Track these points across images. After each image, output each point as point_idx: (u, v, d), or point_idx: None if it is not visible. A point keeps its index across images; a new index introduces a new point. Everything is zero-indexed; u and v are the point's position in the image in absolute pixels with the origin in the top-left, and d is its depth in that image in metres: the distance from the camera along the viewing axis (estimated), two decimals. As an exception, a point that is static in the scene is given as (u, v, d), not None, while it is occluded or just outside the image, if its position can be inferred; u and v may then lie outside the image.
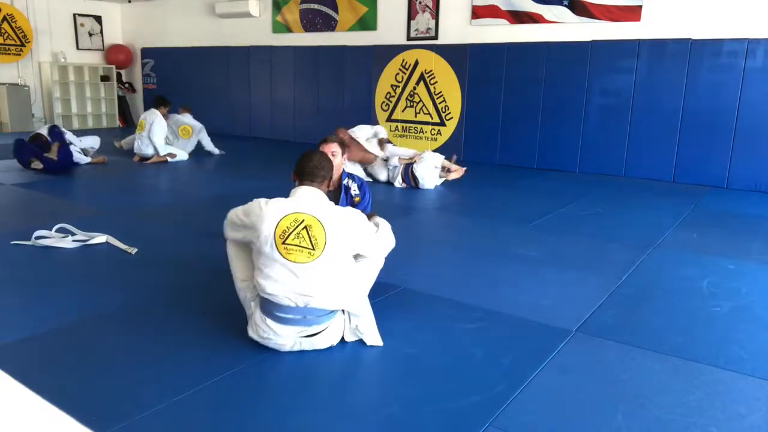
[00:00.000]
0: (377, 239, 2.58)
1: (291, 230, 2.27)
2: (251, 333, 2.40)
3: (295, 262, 2.26)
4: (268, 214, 2.30)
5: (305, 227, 2.27)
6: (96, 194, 5.60)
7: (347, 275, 2.38)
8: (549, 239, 4.19)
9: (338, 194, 3.18)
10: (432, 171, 5.96)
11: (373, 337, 2.44)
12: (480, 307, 2.88)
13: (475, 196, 5.73)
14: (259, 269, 2.33)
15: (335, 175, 3.18)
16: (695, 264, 3.67)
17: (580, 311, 2.86)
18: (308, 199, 2.38)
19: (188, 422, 1.90)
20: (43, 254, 3.62)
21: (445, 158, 6.26)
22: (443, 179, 6.19)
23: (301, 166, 2.47)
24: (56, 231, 3.89)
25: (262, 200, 2.38)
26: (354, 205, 3.14)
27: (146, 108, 9.34)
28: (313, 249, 2.26)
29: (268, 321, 2.32)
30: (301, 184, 2.45)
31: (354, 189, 3.24)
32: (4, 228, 4.17)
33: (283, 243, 2.26)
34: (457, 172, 6.26)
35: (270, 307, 2.32)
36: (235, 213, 2.44)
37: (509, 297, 3.05)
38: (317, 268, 2.28)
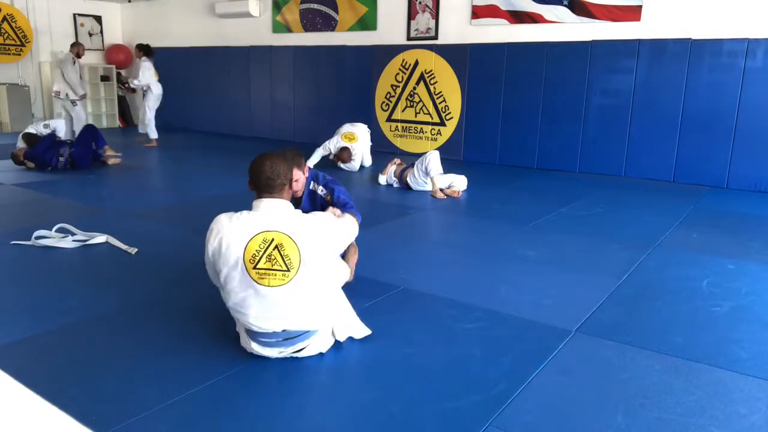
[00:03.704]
0: (341, 228, 2.47)
1: (261, 253, 2.14)
2: (243, 345, 2.38)
3: (269, 286, 2.15)
4: (234, 234, 2.17)
5: (276, 247, 2.15)
6: (96, 194, 5.60)
7: (324, 292, 2.31)
8: (549, 239, 4.19)
9: (300, 201, 3.06)
10: (421, 185, 5.86)
11: (359, 330, 2.43)
12: (480, 307, 2.88)
13: (475, 196, 5.73)
14: (232, 299, 2.22)
15: (300, 189, 3.06)
16: (695, 264, 3.67)
17: (580, 311, 2.86)
18: (273, 213, 2.22)
19: (188, 422, 1.90)
20: (43, 254, 3.62)
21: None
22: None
23: (254, 179, 2.28)
24: (56, 231, 3.89)
25: (224, 216, 2.26)
26: (327, 204, 3.02)
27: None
28: (288, 270, 2.15)
29: (253, 344, 2.29)
30: (260, 196, 2.28)
31: (320, 190, 3.10)
32: (4, 228, 4.17)
33: (254, 268, 2.14)
34: (453, 192, 5.91)
35: (252, 334, 2.28)
36: (206, 254, 2.27)
37: (509, 297, 3.04)
38: (293, 290, 2.18)
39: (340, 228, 2.45)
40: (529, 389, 2.13)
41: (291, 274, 2.16)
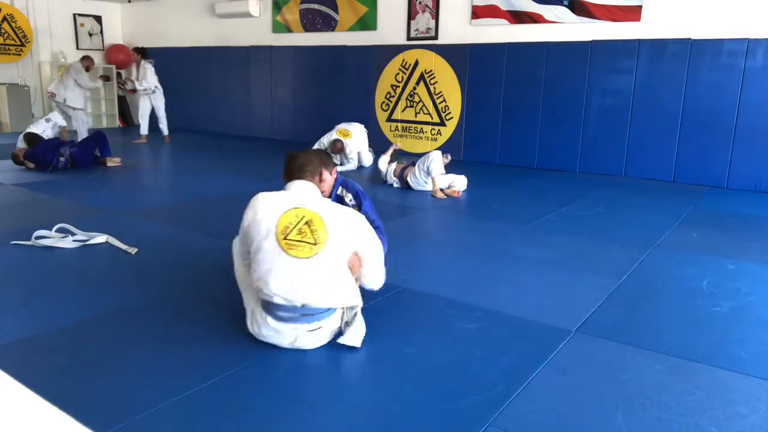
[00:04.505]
0: (379, 256, 2.52)
1: (293, 226, 2.29)
2: (250, 328, 2.42)
3: (296, 257, 2.27)
4: (269, 207, 2.34)
5: (306, 222, 2.30)
6: (96, 194, 5.60)
7: (344, 274, 2.39)
8: (549, 239, 4.19)
9: None
10: (422, 184, 5.85)
11: (355, 337, 2.42)
12: (480, 307, 2.88)
13: (475, 196, 5.73)
14: (258, 269, 2.33)
15: (326, 191, 3.03)
16: (695, 264, 3.67)
17: (580, 311, 2.86)
18: (305, 192, 2.43)
19: (188, 422, 1.90)
20: (43, 254, 3.62)
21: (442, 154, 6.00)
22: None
23: (288, 166, 2.53)
24: (56, 231, 3.89)
25: (262, 193, 2.44)
26: None
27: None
28: (315, 244, 2.28)
29: (269, 319, 2.34)
30: (291, 179, 2.50)
31: (349, 198, 3.07)
32: (4, 228, 4.17)
33: (285, 239, 2.29)
34: (453, 192, 5.74)
35: (269, 308, 2.34)
36: (236, 240, 2.54)
37: (509, 297, 3.05)
38: (317, 264, 2.29)
39: (375, 239, 2.50)
40: (529, 389, 2.13)
41: (318, 248, 2.28)
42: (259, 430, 1.87)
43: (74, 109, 8.52)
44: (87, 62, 8.78)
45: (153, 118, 9.50)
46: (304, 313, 2.32)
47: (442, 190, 5.66)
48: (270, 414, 1.96)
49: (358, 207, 3.02)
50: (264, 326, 2.36)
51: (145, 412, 1.93)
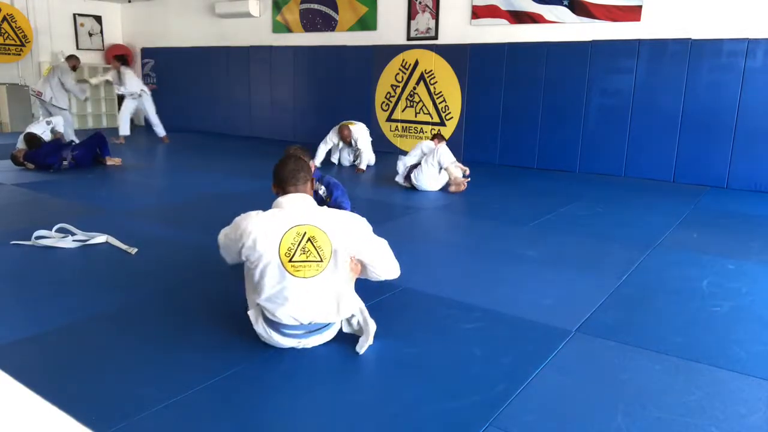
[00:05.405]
0: (387, 252, 2.50)
1: (296, 247, 2.24)
2: (255, 327, 2.39)
3: (305, 277, 2.25)
4: (267, 233, 2.24)
5: (309, 239, 2.25)
6: (96, 194, 5.60)
7: (347, 280, 2.40)
8: (549, 239, 4.19)
9: None
10: (430, 181, 5.88)
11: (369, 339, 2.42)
12: (480, 307, 2.88)
13: (475, 196, 5.73)
14: (266, 293, 2.28)
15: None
16: (695, 264, 3.67)
17: (580, 311, 2.86)
18: (301, 207, 2.33)
19: (188, 422, 1.90)
20: (43, 254, 3.62)
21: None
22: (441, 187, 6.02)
23: (279, 173, 2.40)
24: (56, 231, 3.89)
25: (253, 215, 2.31)
26: (326, 205, 3.15)
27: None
28: (321, 260, 2.26)
29: (274, 334, 2.35)
30: (285, 192, 2.38)
31: (322, 191, 3.22)
32: (4, 228, 4.17)
33: (290, 261, 2.24)
34: (457, 186, 5.79)
35: (275, 325, 2.34)
36: (225, 235, 2.42)
37: (509, 297, 3.05)
38: (324, 280, 2.28)
39: (382, 246, 2.47)
40: (529, 389, 2.13)
41: (324, 264, 2.27)
42: (259, 430, 1.87)
43: (60, 108, 8.51)
44: (73, 61, 8.72)
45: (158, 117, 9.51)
46: (309, 330, 2.35)
47: (448, 183, 5.75)
48: (269, 414, 1.96)
49: (330, 196, 3.20)
50: (268, 339, 2.37)
51: (145, 412, 1.93)
